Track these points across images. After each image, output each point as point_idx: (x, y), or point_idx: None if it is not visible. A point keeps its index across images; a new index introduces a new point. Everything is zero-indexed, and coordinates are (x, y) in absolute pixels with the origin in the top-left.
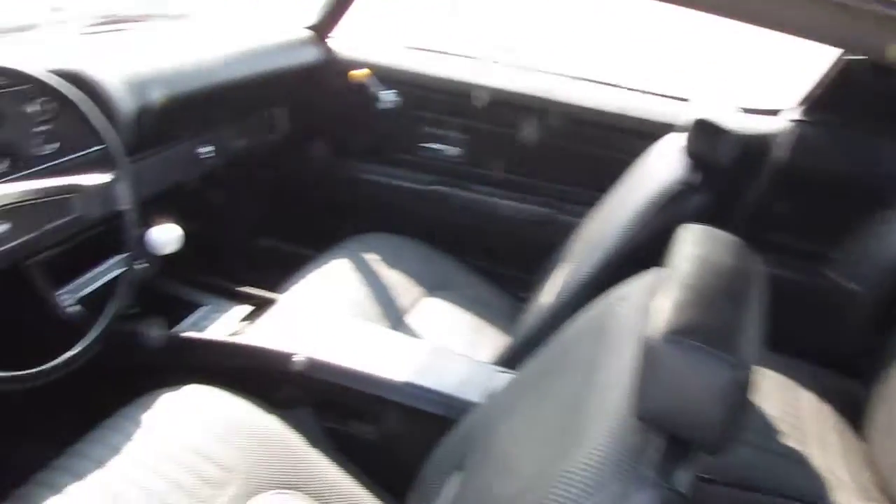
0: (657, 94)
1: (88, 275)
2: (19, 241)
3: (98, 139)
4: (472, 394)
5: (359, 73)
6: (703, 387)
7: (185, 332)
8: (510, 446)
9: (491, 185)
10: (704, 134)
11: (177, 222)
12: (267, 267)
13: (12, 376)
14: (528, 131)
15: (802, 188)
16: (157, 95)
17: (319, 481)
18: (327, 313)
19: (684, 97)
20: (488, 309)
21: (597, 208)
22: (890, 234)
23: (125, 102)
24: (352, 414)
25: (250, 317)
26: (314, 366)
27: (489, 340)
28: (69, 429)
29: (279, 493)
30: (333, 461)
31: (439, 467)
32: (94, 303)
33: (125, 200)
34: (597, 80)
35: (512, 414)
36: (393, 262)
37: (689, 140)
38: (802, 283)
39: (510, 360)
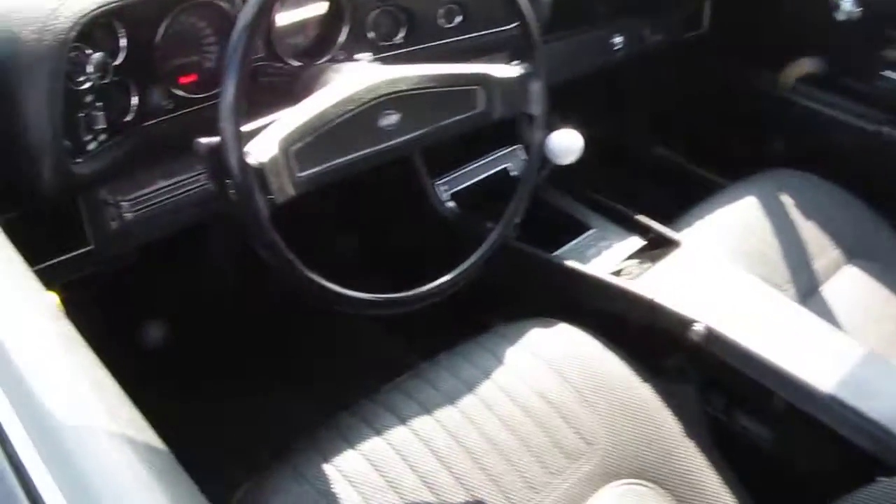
0: None
1: (468, 168)
2: (408, 136)
3: (513, 15)
4: None
5: None
6: None
7: (566, 259)
8: None
9: None
10: None
11: (574, 121)
12: (662, 183)
13: (392, 299)
14: None
15: None
16: None
17: (690, 482)
18: (732, 272)
19: None
20: None
21: None
22: None
23: None
24: (746, 409)
25: (643, 255)
26: (715, 339)
27: None
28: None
29: (639, 484)
30: (711, 461)
31: None
32: (468, 201)
33: (537, 102)
34: None
35: None
36: (811, 211)
37: None
38: None
39: None
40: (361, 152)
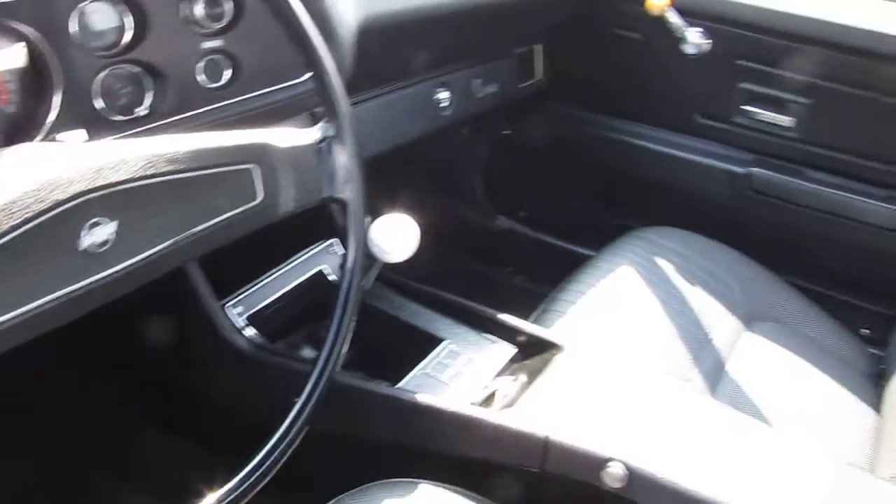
0: None
1: (268, 278)
2: (136, 259)
3: (304, 62)
4: None
5: (658, 3)
6: None
7: (416, 391)
8: None
9: (840, 174)
10: None
11: (402, 201)
12: (509, 261)
13: None
14: None
15: None
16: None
17: None
18: (635, 377)
19: None
20: (832, 360)
21: None
22: None
23: (344, 9)
24: None
25: (516, 368)
26: (639, 481)
27: (854, 420)
28: None
29: None
30: None
31: None
32: (273, 325)
33: (348, 180)
34: None
35: None
36: (696, 276)
37: None
38: None
39: None
40: (50, 297)
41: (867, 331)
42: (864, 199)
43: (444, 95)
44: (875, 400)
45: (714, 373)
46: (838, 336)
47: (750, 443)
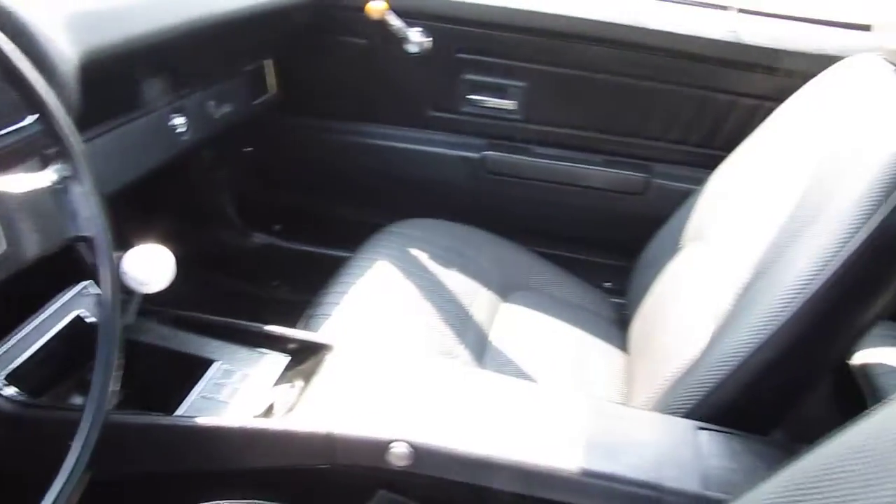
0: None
1: (22, 331)
2: None
3: (30, 106)
4: (688, 479)
5: (376, 7)
6: None
7: (195, 415)
8: None
9: (562, 147)
10: None
11: (153, 231)
12: (271, 275)
13: None
14: (609, 72)
15: None
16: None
17: None
18: (405, 362)
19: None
20: (583, 313)
21: (734, 172)
22: None
23: (61, 45)
24: None
25: (292, 375)
26: (423, 455)
27: (607, 361)
28: None
29: None
30: None
31: None
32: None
33: (91, 217)
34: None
35: None
36: (449, 260)
37: None
38: None
39: (701, 408)
40: None
41: (609, 283)
42: (585, 166)
43: (179, 121)
44: (622, 342)
45: (478, 345)
46: (584, 292)
47: (517, 400)
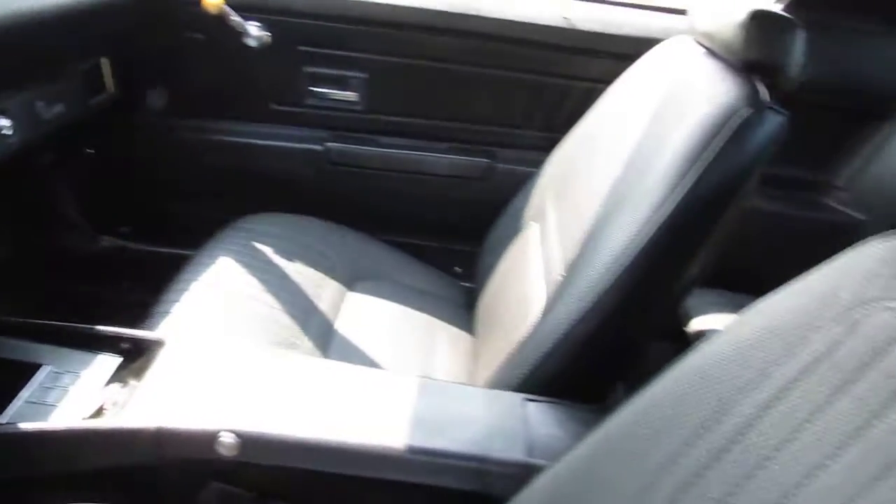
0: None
1: None
2: None
3: None
4: (513, 448)
5: (213, 2)
6: None
7: (21, 421)
8: None
9: (405, 136)
10: (767, 31)
11: None
12: (121, 277)
13: None
14: (449, 61)
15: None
16: None
17: None
18: (237, 354)
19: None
20: (431, 298)
21: (567, 153)
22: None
23: None
24: None
25: (124, 375)
26: (251, 445)
27: (454, 343)
28: None
29: None
30: None
31: None
32: None
33: None
34: None
35: None
36: (294, 252)
37: (746, 42)
38: (805, 217)
39: (531, 380)
40: None
41: (459, 269)
42: (430, 154)
43: (4, 123)
44: (470, 325)
45: (323, 336)
46: (434, 278)
47: (350, 385)
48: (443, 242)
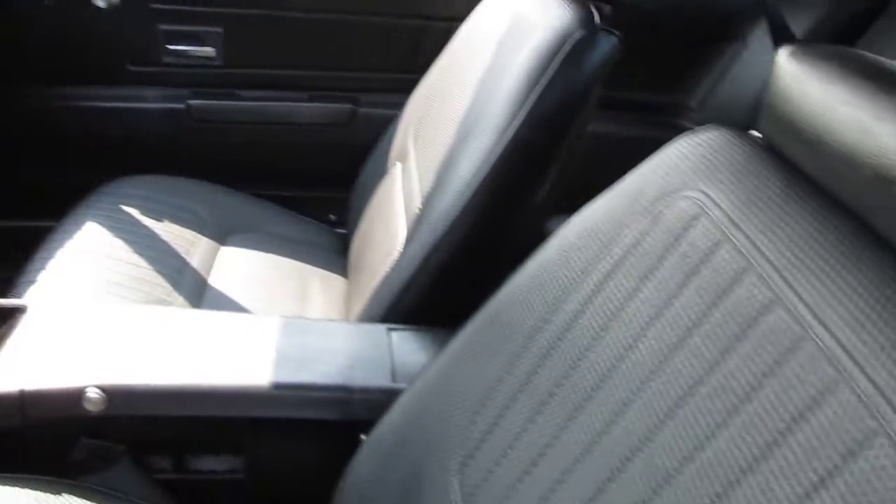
0: None
1: None
2: None
3: None
4: (377, 376)
5: None
6: None
7: None
8: None
9: (266, 88)
10: None
11: None
12: None
13: None
14: (304, 9)
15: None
16: None
17: None
18: (106, 313)
19: None
20: (304, 246)
21: (424, 91)
22: (744, 72)
23: None
24: (199, 452)
25: None
26: (118, 397)
27: (327, 287)
28: None
29: None
30: None
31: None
32: None
33: None
34: None
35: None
36: (162, 213)
37: None
38: (662, 139)
39: (395, 311)
40: None
41: (333, 216)
42: (291, 103)
43: None
44: (344, 270)
45: (196, 291)
46: (308, 226)
47: (218, 332)
48: (315, 191)
